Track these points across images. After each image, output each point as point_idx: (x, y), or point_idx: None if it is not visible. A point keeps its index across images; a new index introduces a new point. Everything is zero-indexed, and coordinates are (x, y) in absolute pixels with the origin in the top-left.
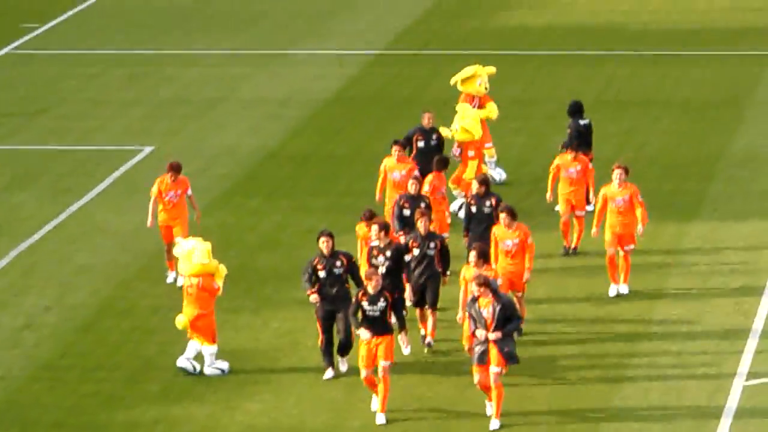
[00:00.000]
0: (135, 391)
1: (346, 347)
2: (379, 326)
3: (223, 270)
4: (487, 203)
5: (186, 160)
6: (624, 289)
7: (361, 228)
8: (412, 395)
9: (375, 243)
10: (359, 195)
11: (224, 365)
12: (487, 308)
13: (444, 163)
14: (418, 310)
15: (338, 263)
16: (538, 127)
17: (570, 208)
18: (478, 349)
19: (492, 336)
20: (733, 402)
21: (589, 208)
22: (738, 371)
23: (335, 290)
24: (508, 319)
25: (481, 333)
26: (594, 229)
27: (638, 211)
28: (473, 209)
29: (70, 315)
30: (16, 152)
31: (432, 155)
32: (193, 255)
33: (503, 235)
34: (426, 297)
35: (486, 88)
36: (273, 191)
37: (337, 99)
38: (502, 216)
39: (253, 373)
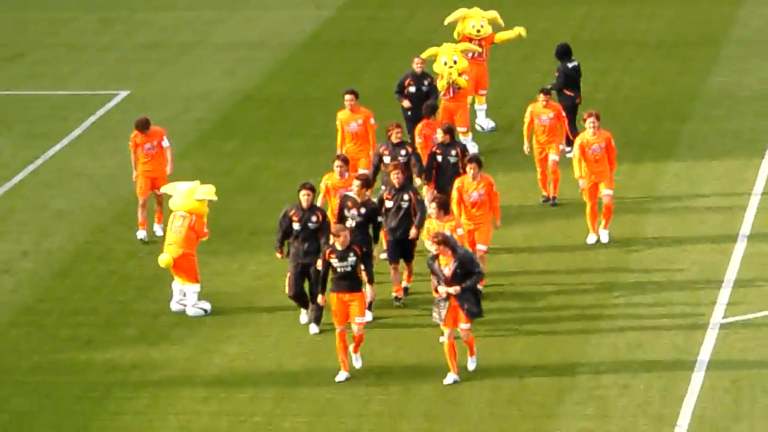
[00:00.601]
0: (113, 335)
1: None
2: (351, 282)
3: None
4: (453, 152)
5: (161, 105)
6: (604, 236)
7: (330, 177)
8: (389, 337)
9: (352, 195)
10: (336, 137)
11: (206, 305)
12: (448, 266)
13: (432, 109)
14: (392, 266)
15: (314, 218)
16: (513, 68)
17: (545, 157)
18: (441, 307)
19: (451, 290)
20: (709, 344)
21: (567, 150)
22: (715, 311)
23: (307, 245)
24: (467, 274)
25: (442, 289)
26: (581, 182)
27: (610, 157)
28: (438, 158)
29: (47, 260)
30: None
31: (423, 101)
32: (195, 192)
33: (469, 186)
34: (403, 250)
35: (478, 31)
36: (249, 134)
37: (312, 41)
38: (471, 166)
39: (231, 316)
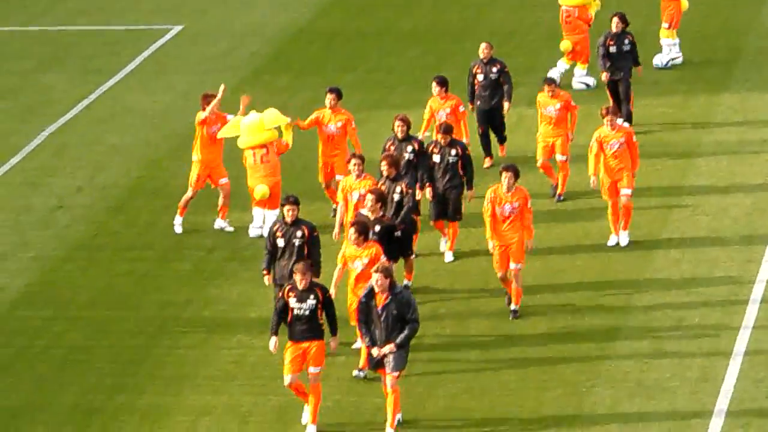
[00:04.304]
0: (167, 270)
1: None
2: (308, 327)
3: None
4: (453, 152)
5: (214, 39)
6: (624, 238)
7: (347, 179)
8: (444, 270)
9: (365, 212)
10: (388, 71)
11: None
12: (385, 306)
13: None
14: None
15: (299, 233)
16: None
17: (549, 152)
18: (373, 355)
19: (386, 350)
20: (764, 276)
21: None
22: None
23: (293, 263)
24: (404, 320)
25: (376, 351)
26: (592, 179)
27: (632, 154)
28: (436, 158)
29: (101, 195)
30: (46, 33)
31: (492, 89)
32: (263, 123)
33: (502, 199)
34: (390, 248)
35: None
36: (302, 69)
37: None
38: (506, 176)
39: None
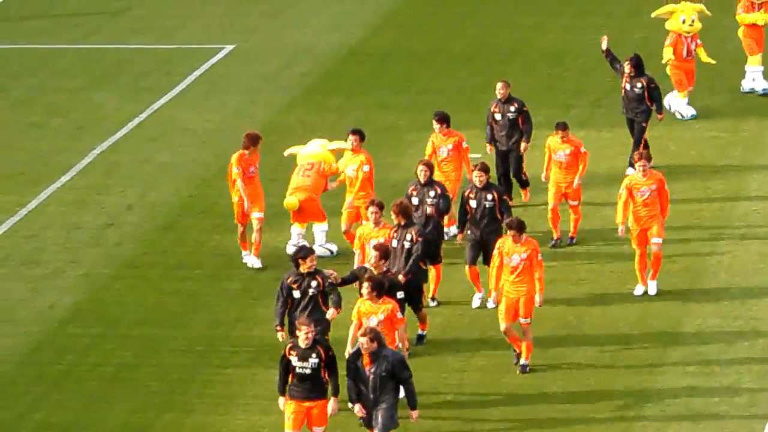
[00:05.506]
0: (217, 289)
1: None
2: (311, 387)
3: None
4: (489, 196)
5: (265, 58)
6: (653, 288)
7: (364, 228)
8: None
9: (369, 267)
10: (438, 92)
11: (333, 247)
12: (372, 368)
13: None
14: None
15: (314, 283)
16: (619, 23)
17: (560, 196)
18: (361, 414)
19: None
20: None
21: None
22: None
23: (308, 314)
24: (394, 380)
25: (357, 408)
26: (620, 227)
27: (662, 202)
28: (472, 203)
29: (151, 213)
30: (97, 51)
31: (510, 129)
32: (328, 146)
33: (510, 249)
34: (408, 298)
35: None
36: (353, 89)
37: None
38: (510, 233)
39: (336, 270)
